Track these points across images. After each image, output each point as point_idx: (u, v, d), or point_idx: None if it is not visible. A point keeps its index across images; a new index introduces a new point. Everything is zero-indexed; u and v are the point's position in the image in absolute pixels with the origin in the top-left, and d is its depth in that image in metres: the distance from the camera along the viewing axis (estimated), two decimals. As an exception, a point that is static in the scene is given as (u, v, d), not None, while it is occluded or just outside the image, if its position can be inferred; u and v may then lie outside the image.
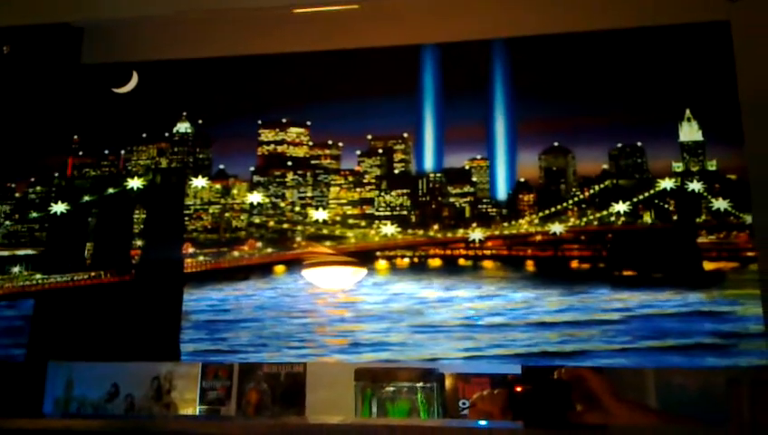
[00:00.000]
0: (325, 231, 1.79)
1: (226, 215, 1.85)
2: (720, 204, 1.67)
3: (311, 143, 1.90)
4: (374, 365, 1.68)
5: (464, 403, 1.67)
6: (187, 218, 1.85)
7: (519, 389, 1.22)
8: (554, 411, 1.16)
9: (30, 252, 1.86)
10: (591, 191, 1.75)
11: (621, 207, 1.72)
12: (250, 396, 1.78)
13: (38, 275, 1.82)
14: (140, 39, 1.95)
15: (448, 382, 1.71)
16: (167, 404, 1.81)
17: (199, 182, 1.87)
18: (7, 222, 1.90)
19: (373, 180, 1.86)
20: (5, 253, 1.86)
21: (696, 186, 1.69)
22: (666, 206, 1.71)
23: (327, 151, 1.89)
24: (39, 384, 1.83)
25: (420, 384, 1.70)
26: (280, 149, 1.90)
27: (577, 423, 1.18)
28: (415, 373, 1.70)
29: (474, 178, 1.82)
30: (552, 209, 1.75)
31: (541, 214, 1.75)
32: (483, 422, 1.30)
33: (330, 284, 1.73)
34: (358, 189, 1.85)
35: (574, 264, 1.70)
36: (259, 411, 1.76)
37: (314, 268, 1.75)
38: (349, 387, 1.70)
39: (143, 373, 1.83)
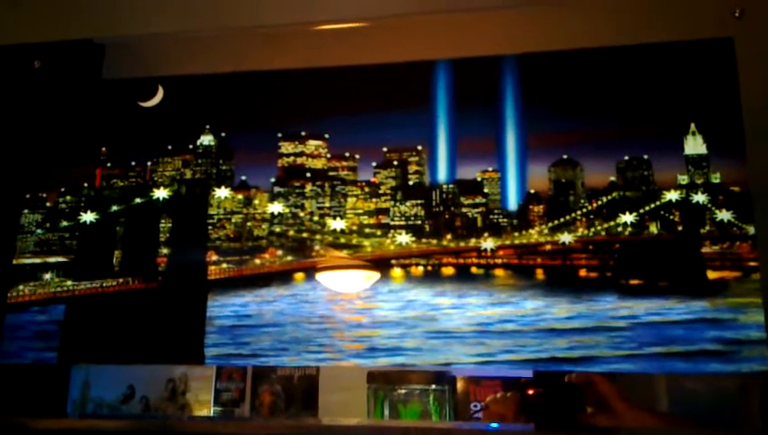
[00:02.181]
0: (342, 240, 1.85)
1: (248, 224, 1.91)
2: (723, 215, 1.71)
3: (329, 155, 1.96)
4: (386, 368, 1.71)
5: (475, 406, 1.68)
6: (210, 227, 1.92)
7: (531, 392, 1.24)
8: (565, 414, 1.19)
9: (61, 259, 1.93)
10: (599, 202, 1.80)
11: (628, 217, 1.77)
12: (263, 398, 1.79)
13: (69, 282, 1.89)
14: (163, 55, 2.00)
15: (460, 385, 1.72)
16: (181, 406, 1.82)
17: (222, 193, 1.93)
18: (39, 231, 1.97)
19: (388, 191, 1.92)
20: (38, 260, 1.93)
21: (700, 198, 1.74)
22: (671, 217, 1.75)
23: (344, 163, 1.95)
24: (65, 386, 1.88)
25: (432, 387, 1.72)
26: (299, 160, 1.96)
27: (587, 426, 1.20)
28: (427, 376, 1.72)
29: (485, 190, 1.88)
30: (561, 220, 1.80)
31: (550, 224, 1.80)
32: (494, 425, 1.33)
33: (344, 287, 1.79)
34: (374, 200, 1.91)
35: (582, 272, 1.75)
36: (272, 413, 1.78)
37: (328, 272, 1.81)
38: (361, 389, 1.72)
39: (158, 375, 1.84)
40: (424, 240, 1.84)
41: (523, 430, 1.31)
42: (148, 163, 2.00)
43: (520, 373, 1.64)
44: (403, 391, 1.70)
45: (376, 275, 1.79)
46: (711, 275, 1.69)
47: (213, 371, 1.83)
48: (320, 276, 1.80)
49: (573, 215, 1.80)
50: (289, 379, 1.77)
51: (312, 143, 1.96)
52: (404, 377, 1.73)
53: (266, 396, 1.78)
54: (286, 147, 1.97)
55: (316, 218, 1.90)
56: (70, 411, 1.82)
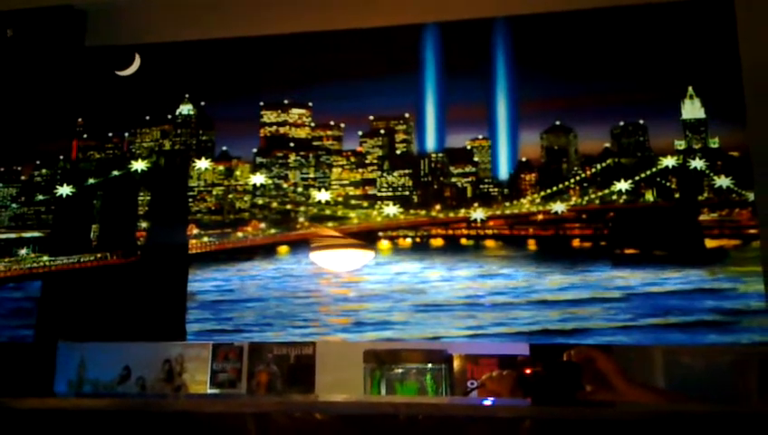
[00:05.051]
0: (328, 212, 1.81)
1: (230, 196, 1.87)
2: (722, 181, 1.67)
3: (312, 124, 1.90)
4: (383, 347, 1.68)
5: (472, 383, 1.66)
6: (190, 200, 1.87)
7: (528, 371, 1.22)
8: (564, 393, 1.17)
9: (37, 234, 1.88)
10: (593, 170, 1.75)
11: (623, 185, 1.72)
12: (260, 378, 1.78)
13: (45, 257, 1.85)
14: (143, 22, 1.94)
15: (457, 364, 1.70)
16: (178, 386, 1.81)
17: (203, 164, 1.88)
18: (14, 205, 1.92)
19: (375, 161, 1.86)
20: (13, 235, 1.89)
21: (698, 163, 1.69)
22: (667, 184, 1.71)
23: (329, 132, 1.89)
24: (49, 364, 1.85)
25: (429, 366, 1.70)
26: (282, 130, 1.91)
27: (585, 402, 1.18)
28: (423, 355, 1.70)
29: (475, 158, 1.82)
30: (554, 188, 1.75)
31: (542, 193, 1.75)
32: (488, 401, 1.30)
33: (338, 266, 1.75)
34: (360, 170, 1.86)
35: (576, 242, 1.71)
36: (269, 393, 1.77)
37: (322, 251, 1.76)
38: (358, 368, 1.70)
39: (154, 356, 1.82)
40: (412, 211, 1.80)
41: (517, 406, 1.27)
42: (126, 134, 1.94)
43: (516, 350, 1.60)
44: (400, 370, 1.67)
45: (371, 254, 1.75)
46: (709, 243, 1.65)
47: (209, 351, 1.81)
48: (313, 256, 1.76)
49: (566, 183, 1.75)
50: (285, 358, 1.75)
51: (296, 112, 1.91)
52: (401, 356, 1.70)
53: (263, 376, 1.77)
54: (268, 116, 1.91)
55: (300, 190, 1.85)
56: (66, 391, 1.80)
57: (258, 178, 1.86)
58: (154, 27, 1.93)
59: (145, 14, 1.94)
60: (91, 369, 1.81)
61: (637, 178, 1.72)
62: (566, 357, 1.23)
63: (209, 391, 1.77)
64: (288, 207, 1.83)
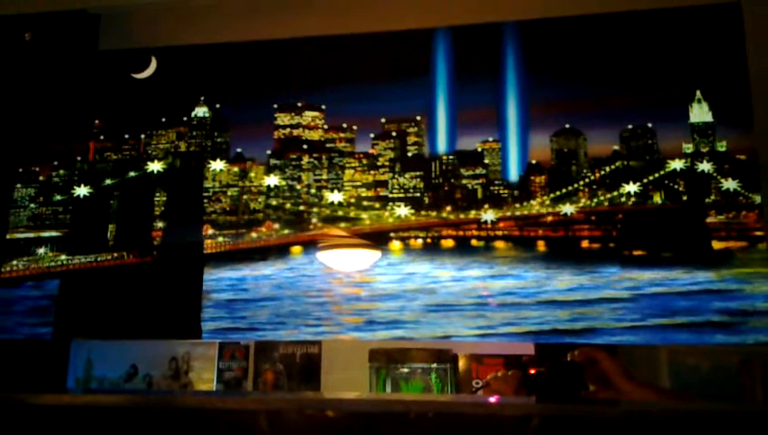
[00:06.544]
0: (340, 213, 1.83)
1: (244, 197, 1.89)
2: (729, 184, 1.68)
3: (326, 127, 1.93)
4: (388, 345, 1.69)
5: (477, 383, 1.68)
6: (206, 201, 1.89)
7: (533, 371, 1.23)
8: (567, 392, 1.18)
9: (54, 234, 1.91)
10: (602, 172, 1.77)
11: (632, 187, 1.74)
12: (266, 376, 1.79)
13: (63, 257, 1.87)
14: (157, 25, 1.97)
15: (462, 363, 1.71)
16: (184, 385, 1.82)
17: (217, 165, 1.90)
18: (32, 205, 1.95)
19: (387, 163, 1.89)
20: (31, 235, 1.92)
21: (705, 166, 1.71)
22: (675, 186, 1.73)
23: (342, 135, 1.92)
24: (64, 361, 1.87)
25: (434, 365, 1.71)
26: (296, 132, 1.93)
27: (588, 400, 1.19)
28: (429, 354, 1.71)
29: (486, 160, 1.85)
30: (564, 190, 1.77)
31: (552, 195, 1.77)
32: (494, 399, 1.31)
33: (345, 266, 1.77)
34: (372, 172, 1.88)
35: (585, 244, 1.73)
36: (275, 391, 1.78)
37: (330, 251, 1.79)
38: (363, 367, 1.71)
39: (161, 354, 1.83)
40: (423, 212, 1.82)
41: (524, 404, 1.28)
42: (142, 136, 1.97)
43: (522, 350, 1.62)
44: (405, 370, 1.68)
45: (378, 254, 1.77)
46: (716, 245, 1.66)
47: (215, 349, 1.82)
48: (321, 255, 1.78)
49: (576, 185, 1.78)
50: (291, 357, 1.76)
51: (309, 114, 1.93)
52: (406, 355, 1.71)
53: (269, 374, 1.78)
54: (282, 118, 1.94)
55: (313, 191, 1.87)
56: (73, 389, 1.81)
57: (272, 180, 1.88)
58: (169, 31, 1.95)
59: (160, 17, 1.96)
60: (99, 366, 1.83)
61: (645, 180, 1.74)
62: (569, 357, 1.25)
63: (216, 388, 1.79)
64: (301, 208, 1.85)
